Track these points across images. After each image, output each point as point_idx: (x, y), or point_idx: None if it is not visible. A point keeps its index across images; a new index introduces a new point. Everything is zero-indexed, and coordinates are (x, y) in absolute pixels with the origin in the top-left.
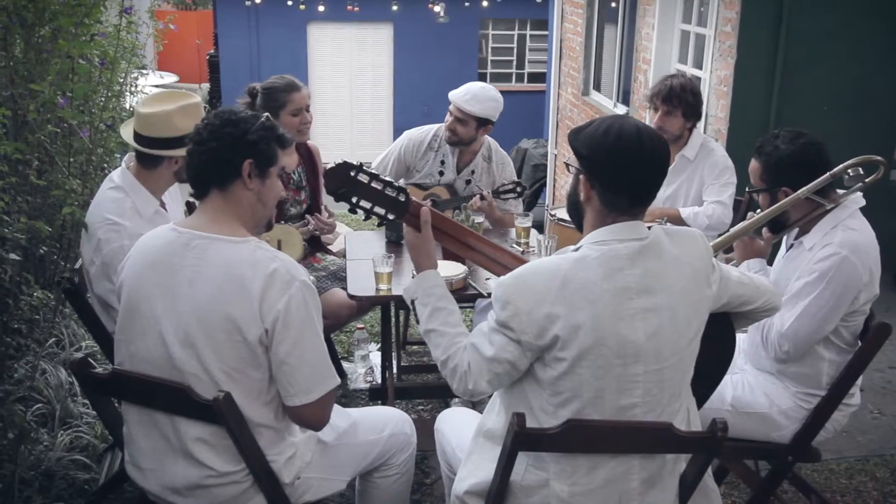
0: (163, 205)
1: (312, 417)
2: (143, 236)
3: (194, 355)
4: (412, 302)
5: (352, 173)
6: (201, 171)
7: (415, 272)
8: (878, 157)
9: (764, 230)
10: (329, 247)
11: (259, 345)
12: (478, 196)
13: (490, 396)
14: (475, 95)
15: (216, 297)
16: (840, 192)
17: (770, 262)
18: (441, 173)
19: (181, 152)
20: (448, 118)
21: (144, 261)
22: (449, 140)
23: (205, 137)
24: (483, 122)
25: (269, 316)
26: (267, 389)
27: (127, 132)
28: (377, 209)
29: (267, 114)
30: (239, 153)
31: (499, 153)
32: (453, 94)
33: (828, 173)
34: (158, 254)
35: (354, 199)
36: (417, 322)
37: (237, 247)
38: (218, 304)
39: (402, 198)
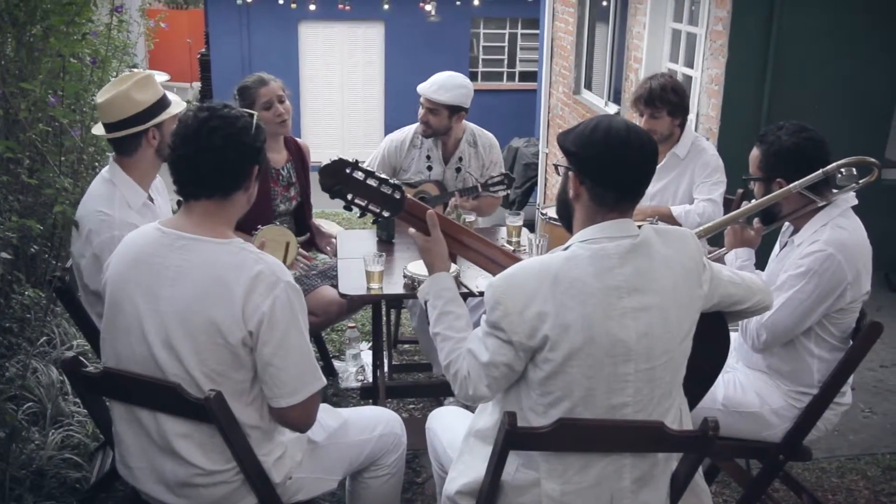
0: (151, 199)
1: (297, 419)
2: (129, 234)
3: (175, 357)
4: (425, 303)
5: (347, 170)
6: (210, 176)
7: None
8: (872, 159)
9: (755, 221)
10: (320, 245)
11: (242, 346)
12: (452, 201)
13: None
14: (442, 84)
15: (198, 299)
16: (834, 191)
17: (761, 258)
18: (429, 168)
19: (152, 123)
20: (420, 111)
21: (128, 259)
22: (424, 133)
23: (218, 144)
24: (455, 110)
25: (253, 318)
26: (249, 390)
27: (98, 129)
28: (372, 207)
29: (256, 113)
30: (251, 161)
31: (483, 136)
32: (422, 87)
33: (820, 170)
34: (141, 253)
35: (349, 197)
36: (429, 323)
37: (221, 248)
38: (200, 307)
39: (397, 195)
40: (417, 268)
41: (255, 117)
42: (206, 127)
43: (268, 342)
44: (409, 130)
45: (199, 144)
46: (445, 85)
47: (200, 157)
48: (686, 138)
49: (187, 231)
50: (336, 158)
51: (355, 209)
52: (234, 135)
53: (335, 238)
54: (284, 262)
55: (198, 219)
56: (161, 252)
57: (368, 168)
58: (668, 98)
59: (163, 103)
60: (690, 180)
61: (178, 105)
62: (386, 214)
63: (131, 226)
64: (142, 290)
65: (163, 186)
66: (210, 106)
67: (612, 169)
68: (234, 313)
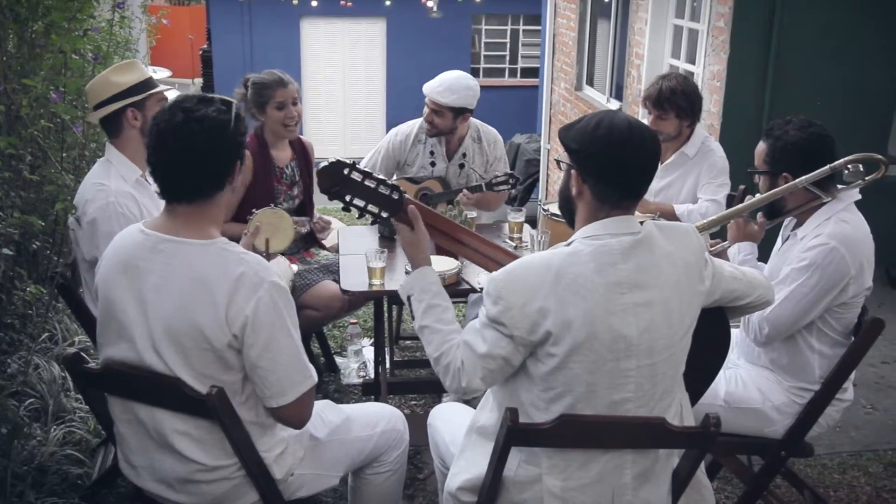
0: (147, 180)
1: (291, 418)
2: (116, 237)
3: (163, 361)
4: (408, 298)
5: (345, 171)
6: (192, 181)
7: (409, 268)
8: (879, 156)
9: (759, 215)
10: (322, 241)
11: (228, 349)
12: (461, 196)
13: (484, 392)
14: (449, 86)
15: (182, 304)
16: (840, 187)
17: (763, 252)
18: (433, 164)
19: (126, 102)
20: (425, 111)
21: (116, 264)
22: (429, 133)
23: (199, 149)
24: (459, 112)
25: (236, 321)
26: (241, 390)
27: (91, 115)
28: (370, 207)
29: (233, 101)
30: (233, 159)
31: (488, 132)
32: (427, 87)
33: (827, 166)
34: (128, 258)
35: (348, 198)
36: (413, 318)
37: (203, 250)
38: (184, 312)
39: (395, 195)
40: None
41: (234, 106)
42: (185, 130)
43: (253, 345)
44: (414, 125)
45: (179, 147)
46: (451, 87)
47: (181, 159)
48: (696, 138)
49: (169, 232)
50: (334, 160)
51: (354, 210)
52: (214, 138)
53: (329, 222)
54: (281, 244)
55: (182, 219)
56: (145, 255)
57: (366, 168)
58: (676, 101)
59: (145, 86)
60: (696, 180)
61: (163, 88)
62: (384, 215)
63: (127, 194)
64: (129, 296)
65: None
66: (184, 106)
67: (615, 168)
68: (217, 317)
